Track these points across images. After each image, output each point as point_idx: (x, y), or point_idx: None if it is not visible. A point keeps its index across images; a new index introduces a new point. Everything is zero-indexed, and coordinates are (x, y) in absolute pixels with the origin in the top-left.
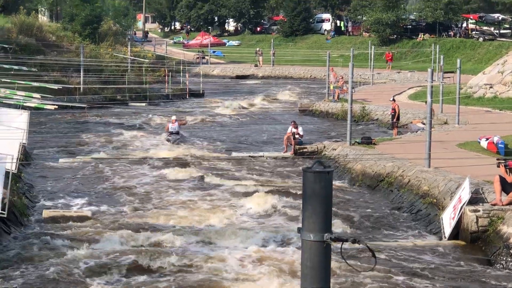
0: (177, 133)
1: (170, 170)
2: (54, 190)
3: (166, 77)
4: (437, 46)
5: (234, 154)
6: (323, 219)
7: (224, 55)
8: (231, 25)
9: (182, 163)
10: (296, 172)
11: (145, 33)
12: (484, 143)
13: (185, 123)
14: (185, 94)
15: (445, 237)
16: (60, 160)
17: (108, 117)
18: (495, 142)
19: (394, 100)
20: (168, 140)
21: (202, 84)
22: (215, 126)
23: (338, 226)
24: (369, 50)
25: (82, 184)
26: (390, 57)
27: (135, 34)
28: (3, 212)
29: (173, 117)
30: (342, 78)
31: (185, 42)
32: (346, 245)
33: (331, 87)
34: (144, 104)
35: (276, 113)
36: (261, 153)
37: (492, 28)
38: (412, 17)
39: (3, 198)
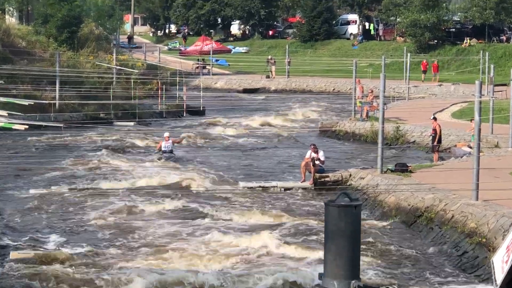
0: (171, 151)
1: (161, 202)
2: (23, 226)
3: (159, 91)
4: (486, 54)
5: (240, 184)
6: (350, 263)
7: (229, 65)
8: (237, 28)
9: (175, 193)
10: (317, 206)
11: (129, 38)
12: None
13: (180, 141)
14: (182, 112)
15: (496, 285)
16: (31, 190)
17: (88, 139)
18: None
19: (434, 118)
20: (159, 159)
21: (202, 100)
22: (218, 149)
23: (367, 271)
24: (404, 58)
25: (58, 218)
26: (434, 67)
27: (127, 40)
28: None
29: (166, 134)
30: (372, 92)
31: (182, 48)
32: None
33: (358, 103)
34: (132, 123)
35: (292, 134)
36: (273, 183)
37: None
38: (456, 18)
39: None
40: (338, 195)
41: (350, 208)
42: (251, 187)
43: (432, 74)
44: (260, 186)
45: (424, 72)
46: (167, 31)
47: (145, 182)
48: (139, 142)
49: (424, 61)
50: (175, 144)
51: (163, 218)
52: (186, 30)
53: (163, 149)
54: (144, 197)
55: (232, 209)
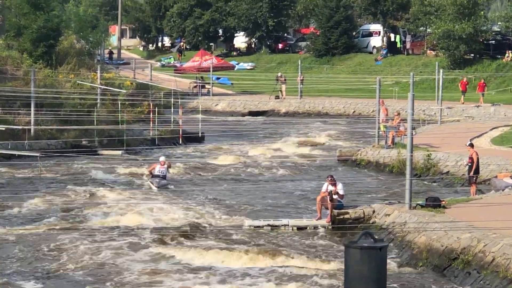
0: (164, 177)
1: (149, 244)
2: None
3: (151, 114)
4: None
5: (246, 222)
6: None
7: (232, 83)
8: (241, 41)
9: (166, 233)
10: (335, 248)
11: (110, 53)
12: None
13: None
14: (178, 138)
15: None
16: (0, 230)
17: (68, 170)
18: None
19: (471, 145)
20: (151, 183)
21: (201, 124)
22: (219, 181)
23: None
24: (436, 75)
25: (32, 262)
26: (481, 87)
27: (110, 54)
28: None
29: (162, 158)
30: (398, 114)
31: (178, 65)
32: None
33: (382, 128)
34: (119, 152)
35: (305, 164)
36: (284, 221)
37: None
38: (496, 28)
39: None
40: (360, 235)
41: (374, 250)
42: (258, 226)
43: (479, 92)
44: (268, 225)
45: (464, 92)
46: (159, 44)
47: (134, 220)
48: (128, 173)
49: (464, 80)
50: (169, 169)
51: (150, 263)
52: (182, 44)
53: (156, 173)
54: (132, 237)
55: (235, 252)
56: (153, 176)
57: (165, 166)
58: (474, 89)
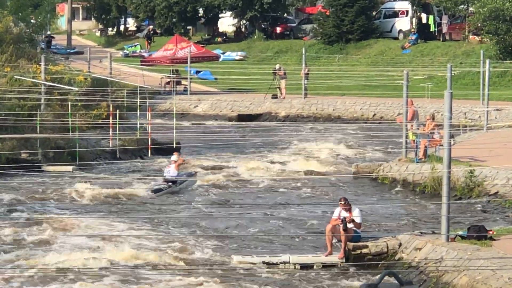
0: (174, 182)
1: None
2: None
3: (111, 119)
4: None
5: (234, 258)
6: None
7: (216, 79)
8: (228, 24)
9: (130, 274)
10: None
11: (48, 39)
12: None
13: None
14: (146, 150)
15: None
16: None
17: (4, 191)
18: None
19: None
20: (154, 192)
21: (176, 132)
22: (199, 206)
23: None
24: (481, 68)
25: None
26: None
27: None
28: None
29: (174, 157)
30: (432, 119)
31: (145, 54)
32: None
33: (411, 136)
34: (70, 168)
35: (311, 183)
36: (283, 258)
37: None
38: None
39: None
40: (381, 275)
41: None
42: (250, 263)
43: None
44: (263, 262)
45: None
46: (122, 28)
47: (84, 263)
48: (81, 194)
49: None
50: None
51: None
52: (151, 28)
53: (164, 175)
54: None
55: None
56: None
57: (172, 166)
58: None
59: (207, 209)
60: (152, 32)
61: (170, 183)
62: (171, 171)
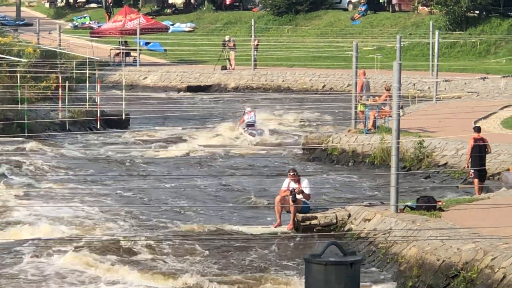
0: (254, 124)
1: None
2: None
3: (60, 91)
4: None
5: (183, 228)
6: None
7: (165, 50)
8: None
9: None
10: (297, 262)
11: None
12: None
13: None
14: (95, 121)
15: None
16: None
17: None
18: None
19: (479, 129)
20: (251, 135)
21: (125, 104)
22: (148, 177)
23: None
24: (430, 39)
25: None
26: None
27: None
28: None
29: (248, 109)
30: (388, 90)
31: (94, 26)
32: None
33: (361, 107)
34: (19, 139)
35: (259, 155)
36: (234, 228)
37: None
38: None
39: None
40: (325, 246)
41: (343, 267)
42: (201, 233)
43: None
44: (213, 231)
45: None
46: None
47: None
48: (30, 169)
49: None
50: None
51: None
52: (110, 0)
53: (247, 121)
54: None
55: (161, 266)
56: (246, 125)
57: (252, 112)
58: (479, 55)
59: (158, 181)
60: (111, 3)
61: (253, 127)
62: (252, 116)
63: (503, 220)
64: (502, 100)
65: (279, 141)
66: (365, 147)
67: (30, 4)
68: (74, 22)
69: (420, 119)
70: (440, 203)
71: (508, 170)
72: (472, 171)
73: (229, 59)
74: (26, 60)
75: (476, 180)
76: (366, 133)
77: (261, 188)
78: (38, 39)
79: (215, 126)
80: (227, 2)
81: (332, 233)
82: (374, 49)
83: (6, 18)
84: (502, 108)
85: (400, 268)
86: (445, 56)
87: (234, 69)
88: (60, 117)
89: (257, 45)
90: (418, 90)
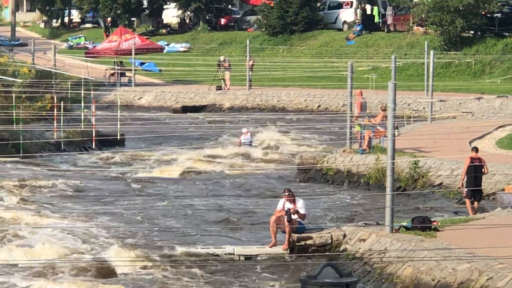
0: (251, 144)
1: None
2: None
3: (55, 111)
4: None
5: (178, 249)
6: None
7: (160, 70)
8: (173, 15)
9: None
10: (293, 283)
11: None
12: None
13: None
14: (90, 142)
15: None
16: None
17: None
18: None
19: (476, 150)
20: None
21: (120, 124)
22: (143, 197)
23: None
24: (425, 59)
25: None
26: None
27: None
28: None
29: (244, 129)
30: (384, 110)
31: (90, 46)
32: None
33: (357, 128)
34: (15, 159)
35: (254, 175)
36: (227, 249)
37: None
38: None
39: None
40: (320, 267)
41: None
42: (195, 255)
43: None
44: (208, 253)
45: None
46: (66, 20)
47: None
48: (22, 188)
49: None
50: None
51: None
52: (109, 20)
53: (243, 141)
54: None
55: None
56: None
57: (249, 133)
58: (474, 75)
59: (153, 201)
60: (110, 24)
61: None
62: (248, 137)
63: (498, 240)
64: (497, 120)
65: (274, 161)
66: (360, 167)
67: (25, 24)
68: (69, 42)
69: (415, 139)
70: (435, 223)
71: (503, 190)
72: (466, 190)
73: (224, 79)
74: (21, 80)
75: (467, 200)
76: (361, 153)
77: (256, 208)
78: (33, 59)
79: (210, 146)
80: (222, 23)
81: (327, 253)
82: (369, 69)
83: (1, 38)
84: (497, 128)
85: None
86: (440, 76)
87: (229, 89)
88: (55, 137)
89: (252, 65)
90: (413, 110)
